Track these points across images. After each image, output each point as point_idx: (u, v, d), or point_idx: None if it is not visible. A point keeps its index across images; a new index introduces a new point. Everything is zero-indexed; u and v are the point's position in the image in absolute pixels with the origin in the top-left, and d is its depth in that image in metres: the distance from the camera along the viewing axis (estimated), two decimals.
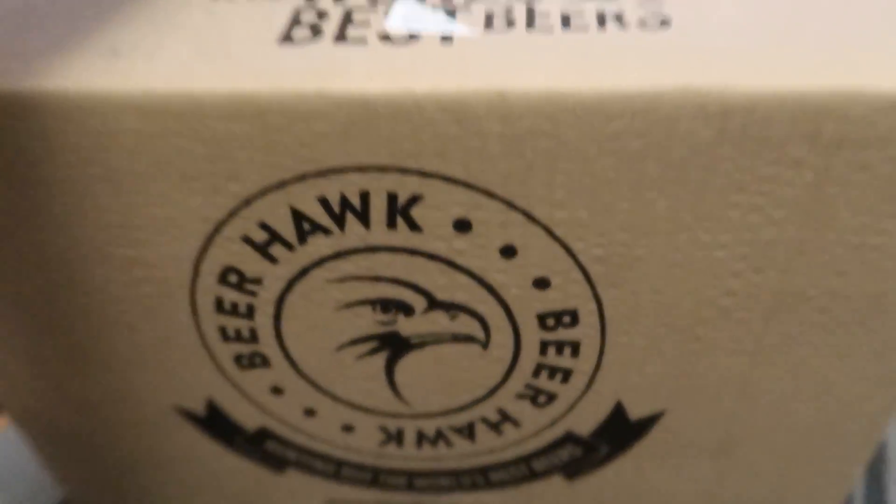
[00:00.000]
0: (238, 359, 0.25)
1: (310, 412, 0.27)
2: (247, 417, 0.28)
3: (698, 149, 0.18)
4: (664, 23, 0.19)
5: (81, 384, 0.27)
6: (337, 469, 0.30)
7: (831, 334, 0.22)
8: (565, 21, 0.20)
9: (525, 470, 0.28)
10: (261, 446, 0.29)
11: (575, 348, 0.23)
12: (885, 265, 0.20)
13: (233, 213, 0.21)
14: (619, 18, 0.20)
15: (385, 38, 0.20)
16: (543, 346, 0.23)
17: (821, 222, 0.19)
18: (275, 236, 0.21)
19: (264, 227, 0.21)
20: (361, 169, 0.19)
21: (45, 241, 0.22)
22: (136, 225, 0.21)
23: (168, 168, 0.20)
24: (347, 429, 0.28)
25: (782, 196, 0.18)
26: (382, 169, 0.19)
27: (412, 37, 0.20)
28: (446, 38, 0.19)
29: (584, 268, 0.21)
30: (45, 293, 0.24)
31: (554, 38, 0.19)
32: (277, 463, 0.30)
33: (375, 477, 0.30)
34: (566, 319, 0.22)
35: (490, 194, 0.19)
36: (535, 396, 0.25)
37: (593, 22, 0.20)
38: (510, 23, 0.20)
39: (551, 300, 0.22)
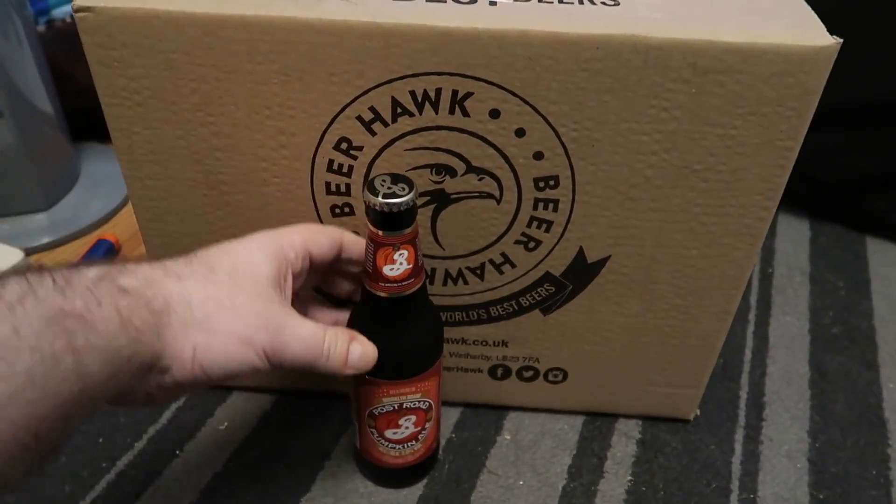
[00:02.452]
0: (333, 208, 0.38)
1: None
2: None
3: (633, 70, 0.32)
4: (616, 3, 0.33)
5: (217, 226, 0.39)
6: None
7: (712, 197, 0.36)
8: (561, 0, 0.34)
9: (515, 306, 0.42)
10: None
11: (555, 205, 0.37)
12: (738, 149, 0.34)
13: (354, 99, 0.34)
14: (592, 0, 0.34)
15: (456, 0, 0.33)
16: (535, 203, 0.37)
17: (700, 118, 0.33)
18: (378, 116, 0.34)
19: (372, 109, 0.34)
20: (438, 73, 0.33)
21: (225, 112, 0.35)
22: (290, 105, 0.34)
23: (321, 67, 0.33)
24: None
25: (678, 101, 0.32)
26: (451, 74, 0.33)
27: (473, 0, 0.33)
28: (492, 2, 0.33)
29: (565, 145, 0.34)
30: (211, 152, 0.36)
31: (554, 7, 0.33)
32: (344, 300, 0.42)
33: None
34: (551, 182, 0.36)
35: (513, 93, 0.33)
36: (527, 242, 0.38)
37: (576, 0, 0.34)
38: None
39: (543, 168, 0.35)
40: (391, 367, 0.37)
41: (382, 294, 0.34)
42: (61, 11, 0.72)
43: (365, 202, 0.32)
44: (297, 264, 0.33)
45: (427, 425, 0.40)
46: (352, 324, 0.38)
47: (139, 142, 0.36)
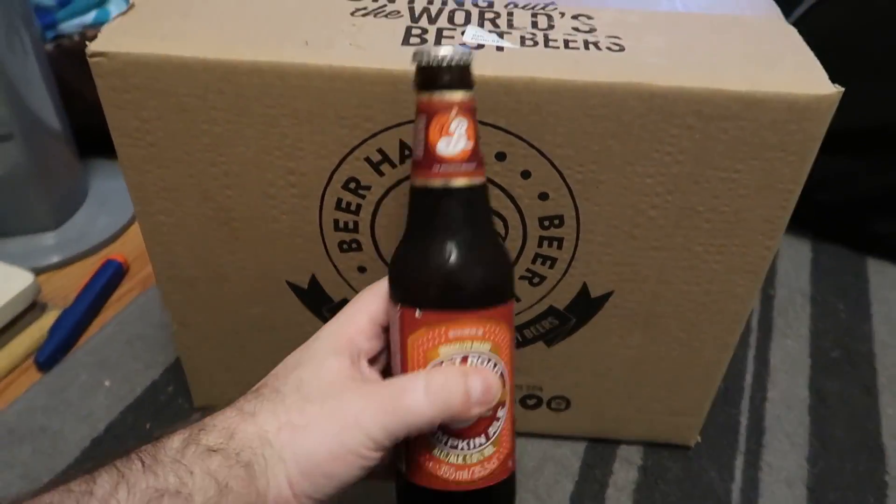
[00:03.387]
0: (341, 244, 0.39)
1: None
2: (336, 290, 0.41)
3: (637, 116, 0.32)
4: (621, 48, 0.34)
5: (226, 259, 0.40)
6: None
7: (714, 237, 0.36)
8: (566, 44, 0.34)
9: (518, 338, 0.42)
10: None
11: (560, 243, 0.37)
12: (740, 192, 0.35)
13: (363, 142, 0.34)
14: (596, 45, 0.34)
15: (463, 45, 0.34)
16: (540, 241, 0.37)
17: (703, 162, 0.34)
18: (386, 158, 0.35)
19: (381, 151, 0.35)
20: None
21: (236, 152, 0.35)
22: (300, 146, 0.35)
23: (331, 110, 0.33)
24: None
25: (681, 146, 0.33)
26: None
27: (479, 46, 0.34)
28: (500, 48, 0.34)
29: (570, 186, 0.35)
30: (222, 190, 0.37)
31: (560, 53, 0.34)
32: None
33: None
34: (556, 221, 0.36)
35: (519, 137, 0.33)
36: (532, 278, 0.39)
37: (583, 46, 0.34)
38: (535, 43, 0.34)
39: (548, 208, 0.36)
40: (451, 292, 0.28)
41: (438, 183, 0.28)
42: (69, 25, 0.73)
43: (414, 65, 0.28)
44: (372, 346, 0.31)
45: (501, 412, 0.30)
46: (401, 247, 0.31)
47: (151, 179, 0.37)
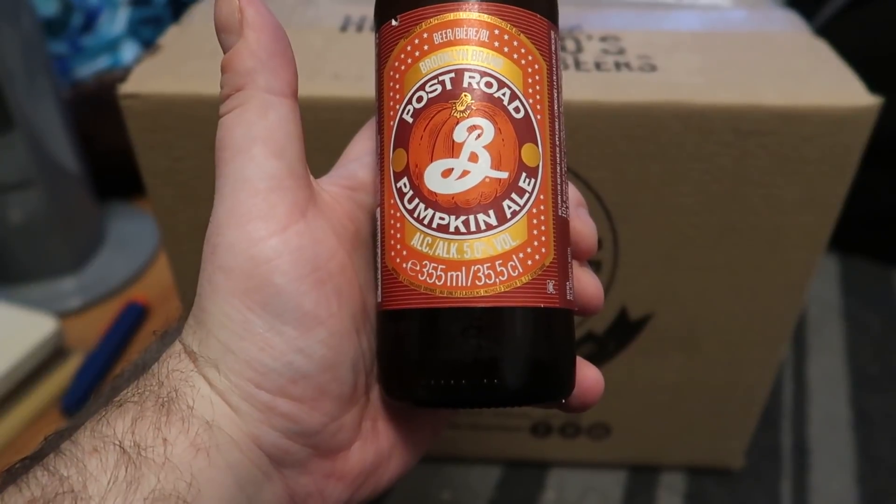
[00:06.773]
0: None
1: None
2: None
3: (674, 136, 0.32)
4: (653, 68, 0.34)
5: None
6: None
7: (755, 254, 0.36)
8: (597, 66, 0.34)
9: None
10: None
11: (598, 266, 0.37)
12: (781, 207, 0.34)
13: None
14: (628, 66, 0.34)
15: None
16: None
17: (741, 179, 0.33)
18: None
19: None
20: None
21: None
22: None
23: None
24: None
25: (720, 164, 0.33)
26: None
27: None
28: None
29: (607, 209, 0.34)
30: None
31: (592, 75, 0.33)
32: None
33: None
34: None
35: None
36: None
37: (613, 67, 0.34)
38: (566, 66, 0.34)
39: None
40: None
41: None
42: (83, 71, 0.73)
43: None
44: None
45: (527, 183, 0.20)
46: None
47: (182, 219, 0.36)
